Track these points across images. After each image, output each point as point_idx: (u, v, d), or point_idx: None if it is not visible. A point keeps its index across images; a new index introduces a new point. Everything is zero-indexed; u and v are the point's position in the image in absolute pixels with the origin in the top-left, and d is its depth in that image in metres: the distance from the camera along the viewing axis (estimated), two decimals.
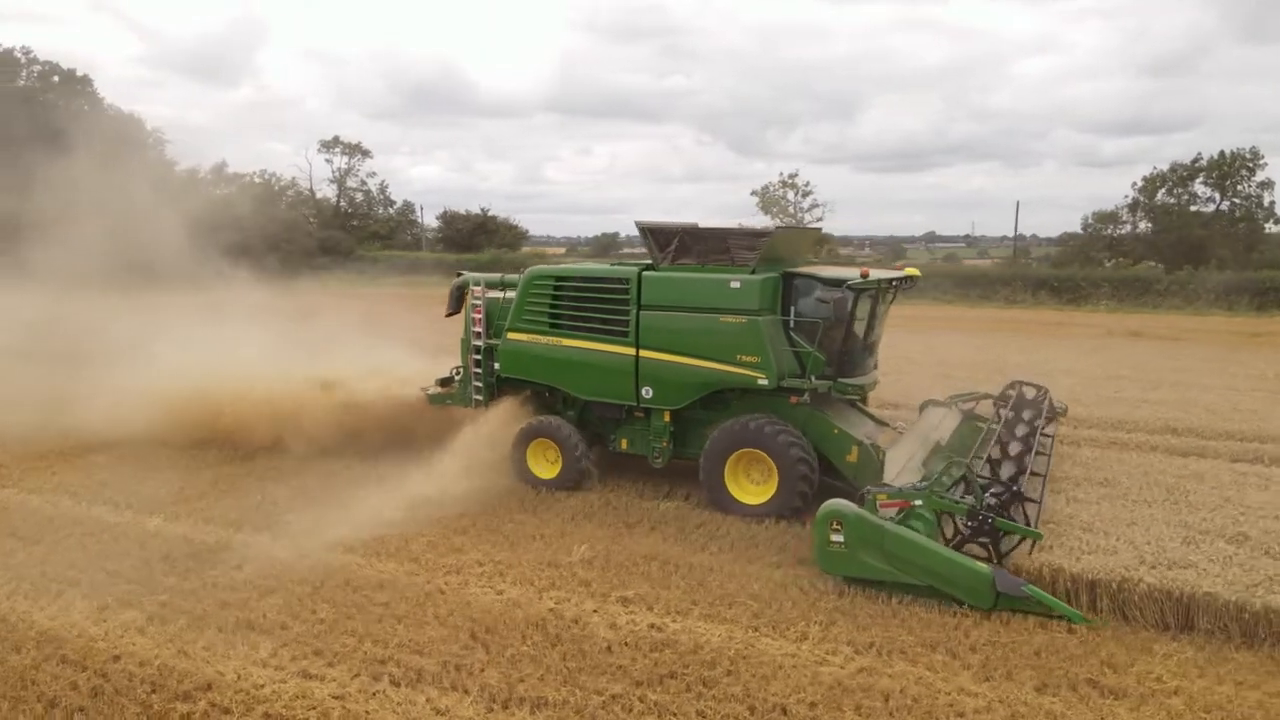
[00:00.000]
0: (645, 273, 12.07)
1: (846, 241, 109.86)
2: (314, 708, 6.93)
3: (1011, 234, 65.33)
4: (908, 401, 17.24)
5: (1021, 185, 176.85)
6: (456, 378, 14.36)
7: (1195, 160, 55.21)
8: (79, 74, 63.79)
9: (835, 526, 9.06)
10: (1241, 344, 30.83)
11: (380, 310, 26.99)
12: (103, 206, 22.69)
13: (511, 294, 13.32)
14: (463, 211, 78.17)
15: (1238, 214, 55.10)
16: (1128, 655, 7.90)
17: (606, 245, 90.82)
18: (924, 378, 20.67)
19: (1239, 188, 54.99)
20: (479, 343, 13.52)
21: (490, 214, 78.25)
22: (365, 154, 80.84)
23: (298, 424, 14.01)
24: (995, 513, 9.00)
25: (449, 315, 14.64)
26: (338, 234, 71.10)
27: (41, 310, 21.93)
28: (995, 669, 7.63)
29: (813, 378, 11.30)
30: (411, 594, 9.08)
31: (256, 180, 76.34)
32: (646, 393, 12.09)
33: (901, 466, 11.23)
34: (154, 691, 7.15)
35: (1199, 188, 55.85)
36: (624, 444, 12.84)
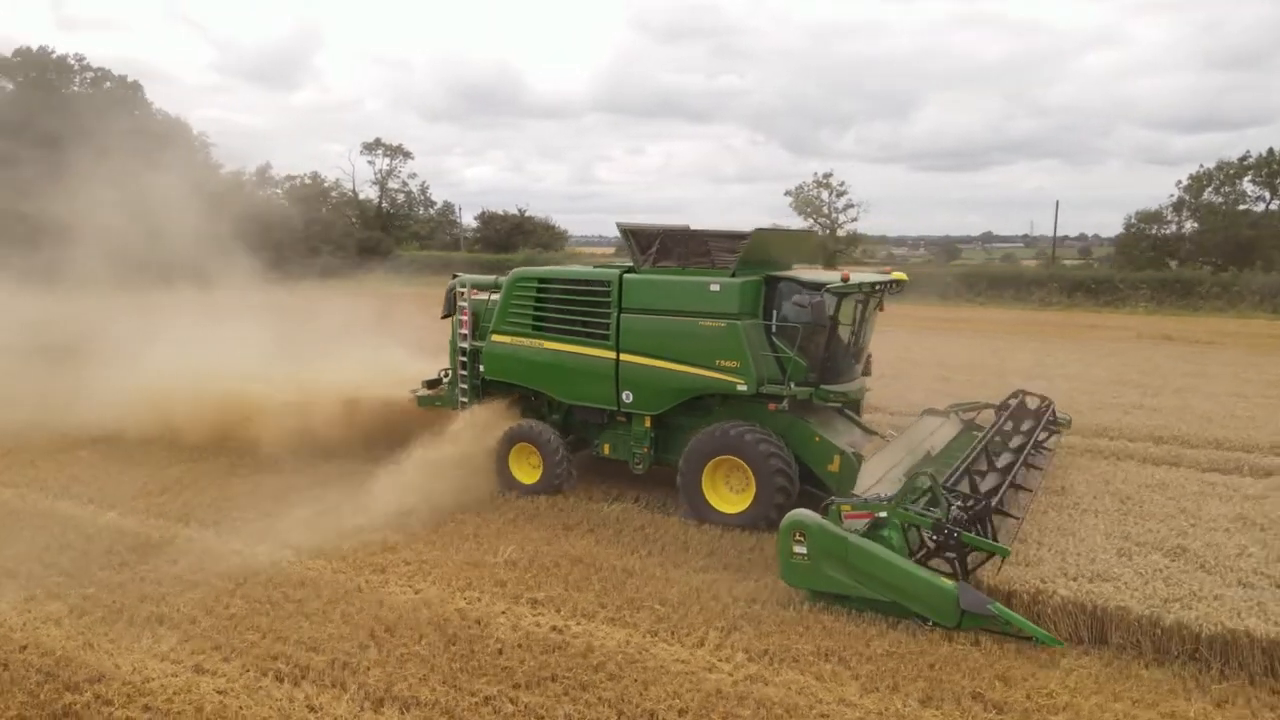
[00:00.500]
0: (626, 275, 11.89)
1: (901, 242, 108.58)
2: (193, 702, 7.08)
3: (1074, 233, 63.84)
4: (904, 408, 16.96)
5: (1084, 183, 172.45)
6: (445, 379, 14.33)
7: (1243, 158, 53.47)
8: (129, 80, 65.76)
9: (798, 537, 8.77)
10: (1276, 348, 29.75)
11: (399, 309, 27.40)
12: (141, 209, 23.49)
13: (498, 296, 13.23)
14: (501, 212, 79.12)
15: None
16: (1029, 669, 7.72)
17: None
18: (923, 382, 20.34)
19: None
20: (465, 344, 13.44)
21: (528, 214, 79.04)
22: (406, 155, 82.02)
23: (258, 425, 14.27)
24: (962, 527, 8.58)
25: (444, 317, 14.62)
26: (377, 234, 72.41)
27: (66, 309, 22.76)
28: (883, 680, 7.51)
29: (792, 384, 10.97)
30: (329, 592, 9.23)
31: (306, 182, 78.75)
32: (627, 397, 11.89)
33: (880, 476, 10.85)
34: (45, 681, 7.38)
35: (1248, 186, 54.08)
36: (606, 449, 12.66)
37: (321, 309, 24.02)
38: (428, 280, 53.52)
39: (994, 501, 9.26)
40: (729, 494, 11.41)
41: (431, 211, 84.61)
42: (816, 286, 10.97)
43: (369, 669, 7.58)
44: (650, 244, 11.95)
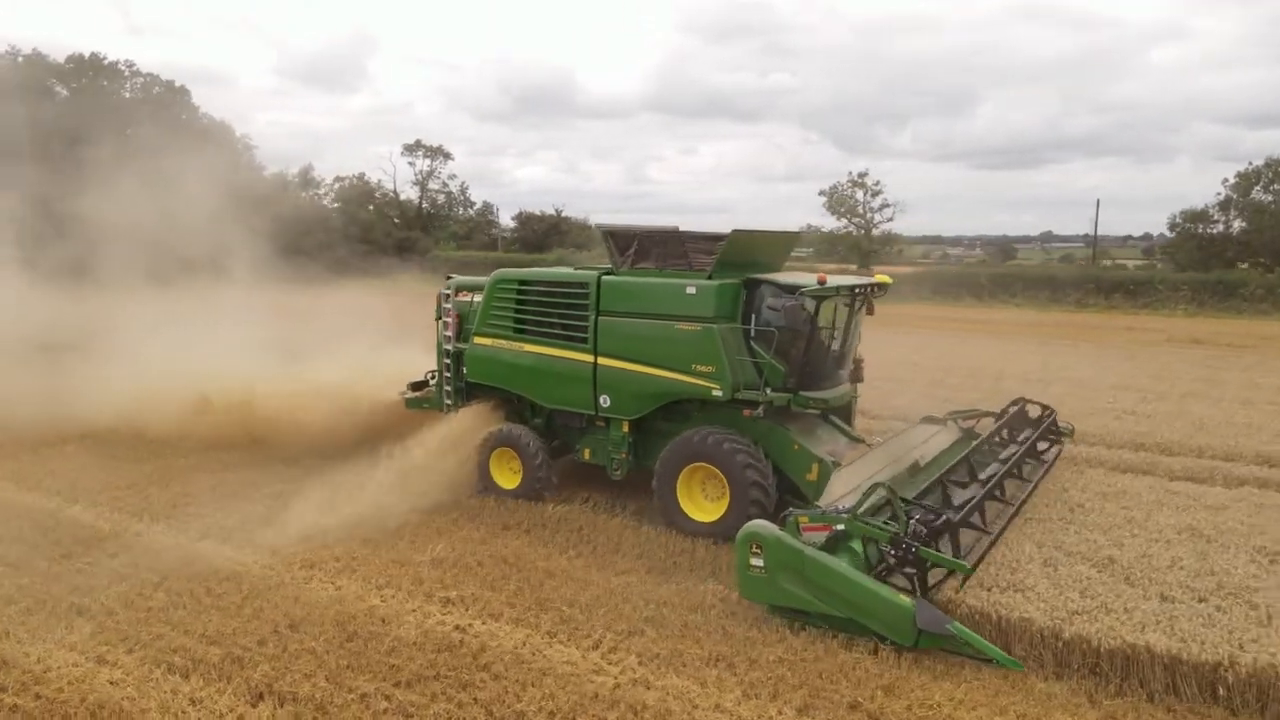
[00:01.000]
0: (604, 277, 11.68)
1: (956, 241, 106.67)
2: (82, 692, 7.27)
3: (1138, 233, 61.92)
4: (888, 413, 16.76)
5: (1148, 181, 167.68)
6: (431, 382, 14.17)
7: None
8: (177, 84, 67.62)
9: (755, 550, 8.46)
10: None
11: (418, 309, 27.71)
12: (177, 210, 24.19)
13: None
14: (538, 212, 79.73)
15: None
16: (922, 680, 7.59)
17: None
18: (918, 386, 20.04)
19: None
20: (449, 346, 13.34)
21: (563, 214, 79.53)
22: (447, 156, 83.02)
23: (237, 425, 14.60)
24: (920, 541, 8.17)
25: (438, 319, 14.58)
26: (414, 234, 73.49)
27: (84, 307, 23.45)
28: (766, 688, 7.44)
29: (768, 390, 10.64)
30: (250, 586, 9.42)
31: (355, 183, 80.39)
32: (604, 401, 11.66)
33: (855, 487, 9.92)
34: None
35: None
36: (587, 454, 12.38)
37: (344, 308, 24.47)
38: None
39: (964, 515, 8.92)
40: (705, 502, 11.11)
41: (470, 212, 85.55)
42: (793, 290, 10.68)
43: (258, 664, 7.73)
44: (629, 245, 11.74)
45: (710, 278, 10.96)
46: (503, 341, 12.52)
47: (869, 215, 63.78)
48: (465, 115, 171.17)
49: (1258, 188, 52.80)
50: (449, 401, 13.41)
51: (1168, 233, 57.47)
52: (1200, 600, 8.30)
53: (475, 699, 7.22)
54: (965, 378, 21.32)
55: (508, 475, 12.52)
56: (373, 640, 8.20)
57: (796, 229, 13.68)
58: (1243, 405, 18.26)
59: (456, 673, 7.62)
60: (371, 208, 76.83)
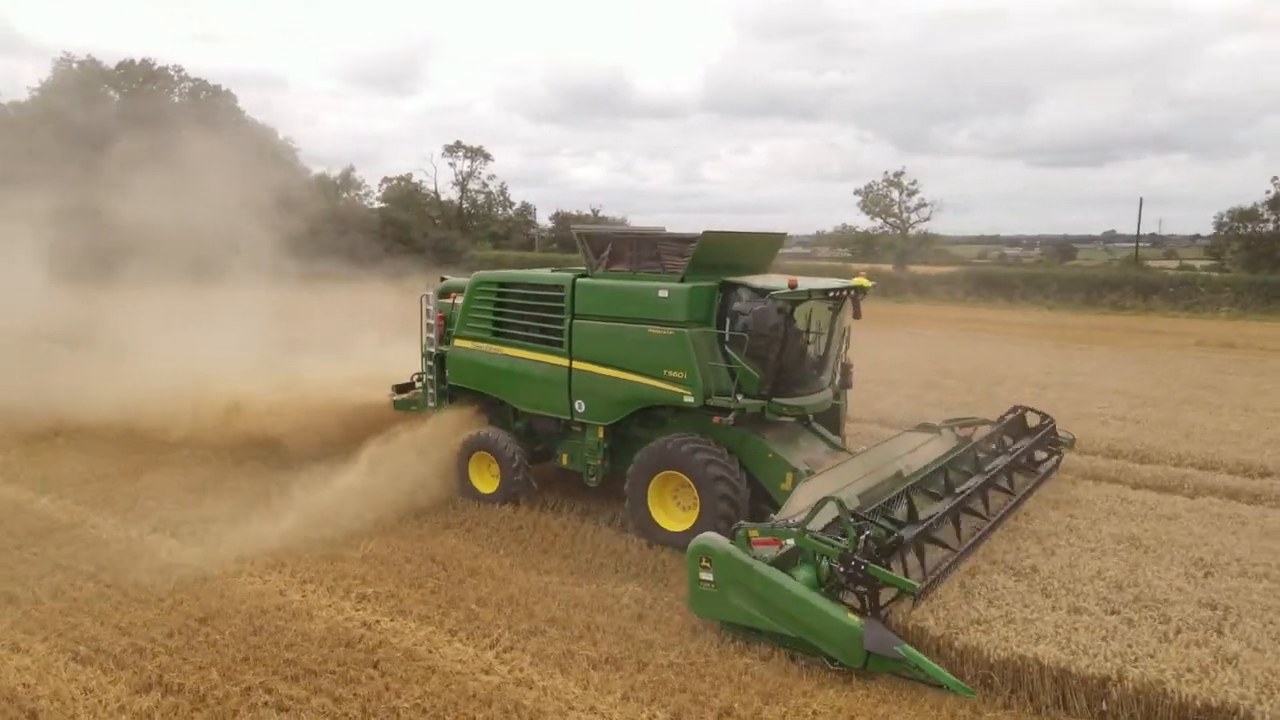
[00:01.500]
0: (579, 280, 11.50)
1: (1015, 241, 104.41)
2: None
3: (1205, 232, 59.75)
4: (879, 419, 16.51)
5: (1221, 178, 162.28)
6: (417, 384, 13.96)
7: None
8: (223, 89, 69.38)
9: (705, 563, 8.18)
10: None
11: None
12: (213, 210, 24.86)
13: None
14: (574, 212, 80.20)
15: None
16: (809, 687, 7.52)
17: None
18: (909, 390, 19.70)
19: None
20: (431, 349, 13.29)
21: (600, 214, 79.85)
22: (486, 157, 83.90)
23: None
24: (870, 558, 7.76)
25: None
26: (452, 234, 74.39)
27: (105, 305, 24.10)
28: (646, 691, 7.44)
29: (739, 397, 10.30)
30: (179, 580, 9.65)
31: (401, 184, 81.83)
32: (579, 407, 11.47)
33: (827, 496, 9.65)
34: None
35: None
36: (565, 460, 12.21)
37: (367, 307, 24.82)
38: None
39: (919, 532, 8.59)
40: (678, 511, 10.83)
41: (509, 212, 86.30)
42: (764, 293, 10.32)
43: (158, 655, 7.94)
44: (604, 248, 11.54)
45: (683, 280, 10.68)
46: (483, 344, 12.43)
47: (905, 215, 63.02)
48: (522, 116, 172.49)
49: None
50: (432, 404, 13.35)
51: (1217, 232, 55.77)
52: (1111, 612, 8.09)
53: (355, 694, 7.32)
54: (960, 381, 20.92)
55: (487, 479, 12.39)
56: (277, 634, 8.37)
57: (782, 230, 13.20)
58: (1243, 412, 17.67)
59: (345, 668, 7.75)
60: (410, 211, 78.03)
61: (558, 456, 12.32)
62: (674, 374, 10.57)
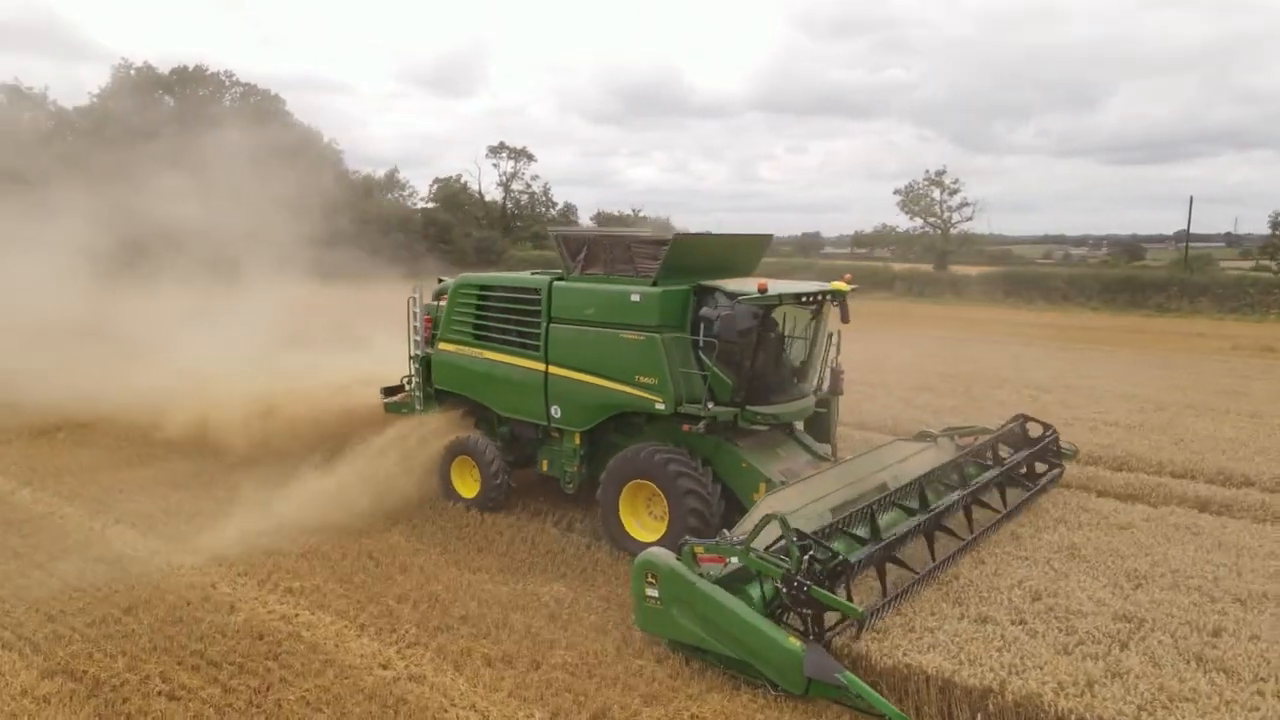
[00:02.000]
0: (555, 283, 11.35)
1: (1082, 241, 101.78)
2: None
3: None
4: (862, 424, 16.31)
5: None
6: (408, 386, 13.80)
7: None
8: (272, 93, 71.17)
9: (650, 579, 7.93)
10: None
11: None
12: (253, 210, 25.61)
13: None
14: (615, 213, 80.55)
15: None
16: (695, 692, 7.50)
17: (808, 246, 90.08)
18: (900, 392, 19.40)
19: None
20: (417, 351, 13.20)
21: (641, 214, 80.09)
22: (530, 158, 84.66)
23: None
24: (814, 579, 7.32)
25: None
26: (493, 234, 75.26)
27: (135, 304, 24.87)
28: (532, 690, 7.51)
29: (710, 404, 10.04)
30: (122, 571, 9.97)
31: (453, 184, 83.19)
32: (555, 412, 11.32)
33: (789, 511, 8.66)
34: None
35: None
36: (545, 465, 12.04)
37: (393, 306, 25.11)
38: None
39: (872, 553, 8.21)
40: (650, 520, 10.55)
41: (552, 212, 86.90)
42: (734, 298, 10.08)
43: (74, 643, 8.22)
44: (579, 250, 11.34)
45: (655, 284, 10.45)
46: (465, 348, 12.35)
47: (946, 215, 61.94)
48: (578, 117, 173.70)
49: None
50: (419, 407, 13.32)
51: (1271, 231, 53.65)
52: (1017, 623, 7.90)
53: (247, 685, 7.52)
54: (958, 384, 20.52)
55: (469, 484, 12.30)
56: (194, 625, 8.61)
57: (767, 232, 12.93)
58: (1249, 419, 17.02)
59: (246, 660, 7.95)
60: (456, 212, 79.18)
61: (538, 462, 12.15)
62: (645, 380, 10.33)
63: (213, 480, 13.55)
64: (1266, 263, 51.09)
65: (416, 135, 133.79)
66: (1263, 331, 36.61)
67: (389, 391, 14.22)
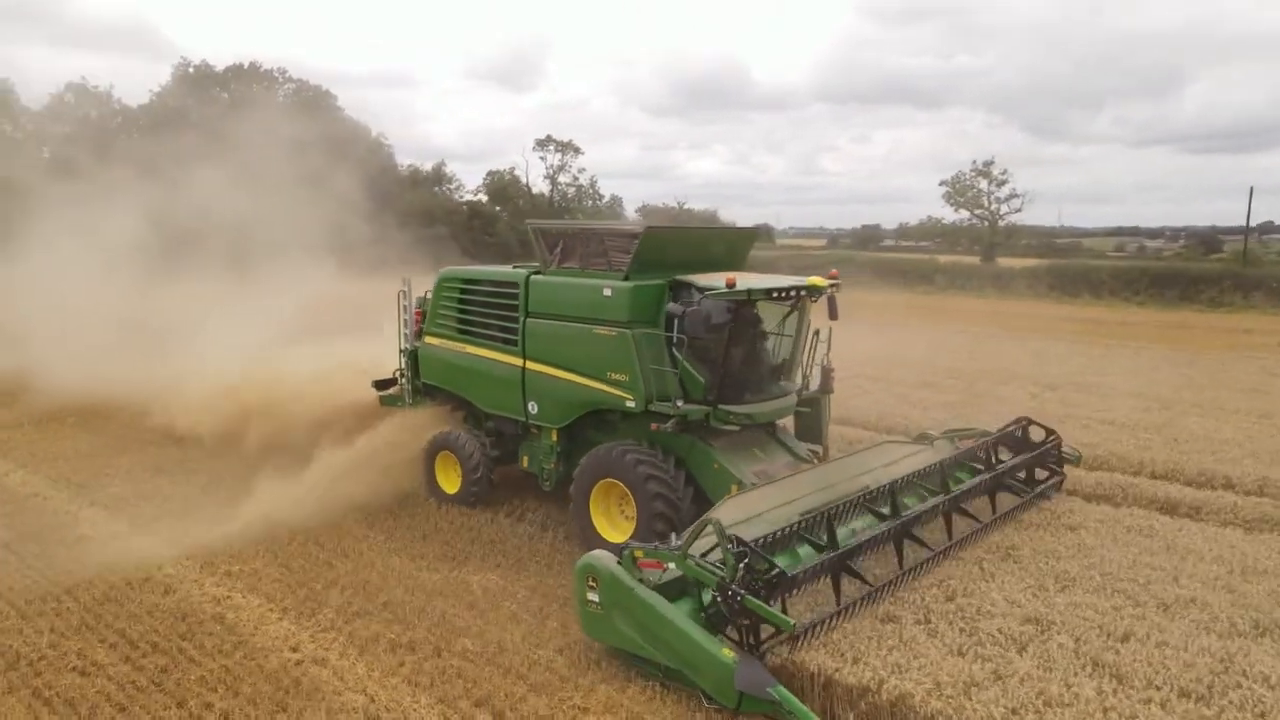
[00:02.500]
0: (533, 277, 11.21)
1: (1158, 233, 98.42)
2: None
3: None
4: (848, 421, 16.08)
5: None
6: (401, 379, 13.69)
7: None
8: (323, 89, 72.76)
9: (591, 583, 7.71)
10: None
11: None
12: (301, 203, 26.33)
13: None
14: (660, 205, 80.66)
15: None
16: (587, 683, 7.56)
17: (867, 238, 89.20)
18: (900, 389, 19.11)
19: None
20: (407, 345, 13.19)
21: (687, 207, 80.00)
22: (577, 151, 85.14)
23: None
24: (749, 589, 7.03)
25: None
26: None
27: (170, 295, 25.68)
28: (426, 676, 7.64)
29: (679, 402, 9.78)
30: (80, 550, 10.40)
31: (507, 177, 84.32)
32: (532, 408, 11.21)
33: (749, 516, 8.56)
34: None
35: None
36: (525, 462, 11.93)
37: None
38: None
39: (824, 563, 7.85)
40: (622, 521, 10.28)
41: (599, 205, 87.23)
42: (702, 293, 9.83)
43: (8, 619, 8.62)
44: (556, 244, 11.21)
45: (627, 278, 10.20)
46: (449, 342, 12.28)
47: (994, 207, 60.57)
48: (639, 110, 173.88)
49: None
50: (409, 401, 13.34)
51: None
52: (921, 622, 7.80)
53: (155, 664, 7.80)
54: (962, 380, 20.09)
55: (452, 479, 12.23)
56: (126, 605, 8.95)
57: (754, 225, 12.69)
58: (1256, 419, 16.36)
59: (164, 639, 8.24)
60: (507, 202, 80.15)
61: (520, 459, 12.07)
62: (617, 376, 10.12)
63: (196, 467, 14.02)
64: None
65: (480, 130, 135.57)
66: None
67: (381, 385, 14.09)
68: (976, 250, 60.50)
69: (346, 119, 68.08)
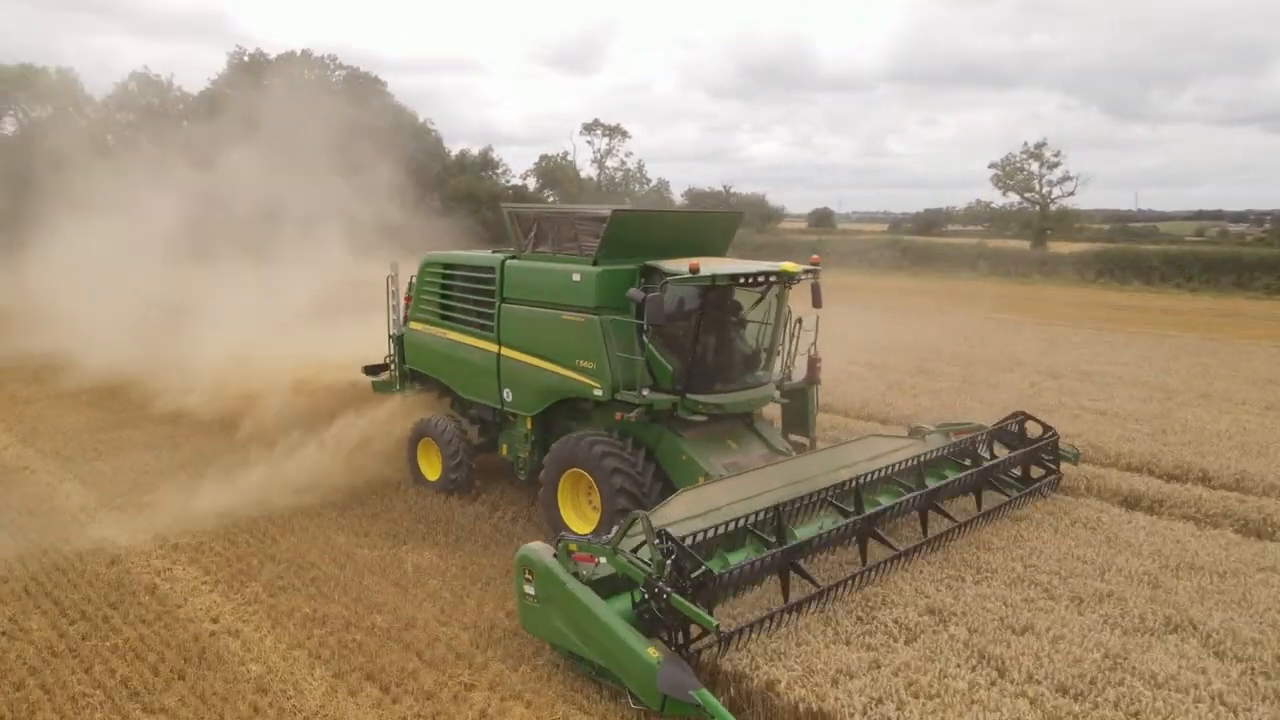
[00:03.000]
0: (508, 262, 11.06)
1: (1243, 217, 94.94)
2: None
3: None
4: (831, 408, 15.87)
5: None
6: (391, 366, 13.67)
7: None
8: (372, 76, 73.92)
9: (527, 576, 7.47)
10: None
11: None
12: (341, 189, 26.99)
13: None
14: (707, 189, 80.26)
15: None
16: (483, 660, 7.68)
17: (930, 223, 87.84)
18: (895, 375, 18.82)
19: None
20: (393, 330, 13.20)
21: (733, 191, 79.55)
22: (624, 135, 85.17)
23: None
24: (676, 586, 6.75)
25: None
26: None
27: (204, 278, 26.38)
28: (326, 650, 7.84)
29: (644, 391, 9.55)
30: (48, 521, 10.88)
31: (559, 161, 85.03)
32: (507, 395, 11.08)
33: (708, 508, 8.28)
34: None
35: None
36: (504, 449, 11.79)
37: None
38: None
39: (769, 560, 7.63)
40: (590, 512, 10.05)
41: (645, 189, 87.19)
42: (664, 278, 9.48)
43: None
44: (530, 228, 11.00)
45: (596, 263, 10.00)
46: (432, 327, 12.22)
47: (1045, 190, 58.91)
48: (702, 92, 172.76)
49: None
50: (397, 386, 13.34)
51: None
52: (819, 611, 7.71)
53: (79, 631, 8.14)
54: (961, 367, 19.68)
55: (434, 466, 12.16)
56: (71, 574, 9.35)
57: (737, 210, 12.41)
58: (1261, 412, 15.75)
59: (94, 607, 8.60)
60: (557, 186, 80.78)
61: (500, 446, 11.94)
62: (585, 364, 9.92)
63: (183, 443, 14.51)
64: None
65: (541, 114, 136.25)
66: None
67: (371, 370, 14.03)
68: (1027, 235, 58.94)
69: (393, 105, 69.06)
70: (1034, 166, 58.68)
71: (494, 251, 12.25)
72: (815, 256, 10.83)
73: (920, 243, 58.67)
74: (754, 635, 7.15)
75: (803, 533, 8.29)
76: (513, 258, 11.15)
